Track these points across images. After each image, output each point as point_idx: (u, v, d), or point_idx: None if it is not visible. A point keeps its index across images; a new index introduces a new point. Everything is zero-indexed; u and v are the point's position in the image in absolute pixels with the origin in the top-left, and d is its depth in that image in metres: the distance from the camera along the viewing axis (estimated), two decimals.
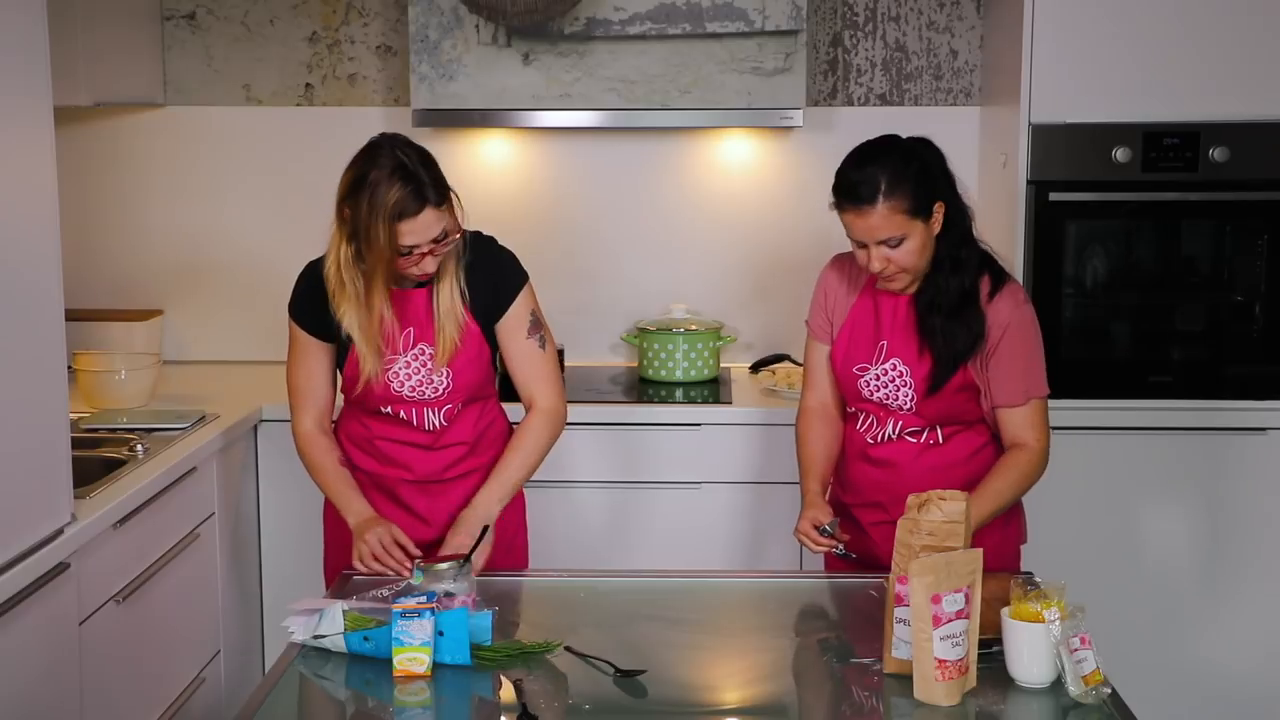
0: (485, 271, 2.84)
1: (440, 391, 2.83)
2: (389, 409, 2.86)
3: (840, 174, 2.73)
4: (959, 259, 2.74)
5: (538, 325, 2.90)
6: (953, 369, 2.74)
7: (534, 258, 4.11)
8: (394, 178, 2.64)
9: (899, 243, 2.68)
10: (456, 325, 2.79)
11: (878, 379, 2.81)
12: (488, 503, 2.82)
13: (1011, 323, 2.75)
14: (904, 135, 2.78)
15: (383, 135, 2.74)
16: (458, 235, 2.74)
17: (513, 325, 2.87)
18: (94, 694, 2.76)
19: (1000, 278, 2.78)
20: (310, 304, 2.81)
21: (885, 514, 2.80)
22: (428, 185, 2.65)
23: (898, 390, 2.79)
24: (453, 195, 2.73)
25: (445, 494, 2.91)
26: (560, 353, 3.96)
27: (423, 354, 2.81)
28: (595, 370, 4.12)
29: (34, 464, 2.56)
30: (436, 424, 2.87)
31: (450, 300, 2.78)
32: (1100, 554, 3.65)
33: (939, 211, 2.71)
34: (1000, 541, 2.80)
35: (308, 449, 2.91)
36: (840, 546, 2.75)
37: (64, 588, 2.64)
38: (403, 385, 2.82)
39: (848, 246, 2.94)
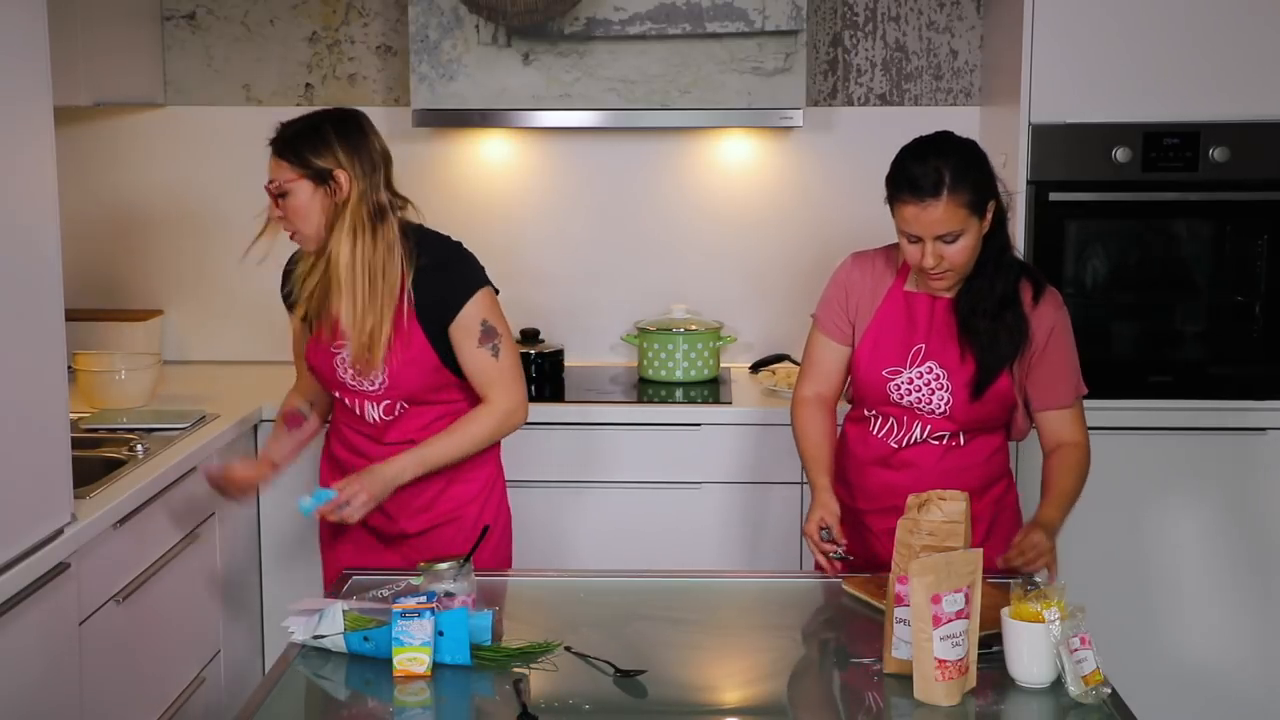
0: (434, 277, 2.81)
1: (377, 385, 2.83)
2: (336, 394, 2.90)
3: (900, 165, 2.66)
4: (1001, 262, 2.72)
5: (490, 334, 2.83)
6: (996, 372, 2.71)
7: (534, 258, 4.17)
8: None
9: (955, 238, 2.62)
10: (361, 341, 2.78)
11: (911, 382, 2.75)
12: (399, 466, 2.81)
13: (1057, 324, 2.74)
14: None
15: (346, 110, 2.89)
16: (280, 203, 2.77)
17: (461, 335, 2.82)
18: (94, 694, 2.76)
19: (1041, 284, 2.77)
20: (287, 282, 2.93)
21: None
22: (282, 139, 2.78)
23: (932, 394, 2.74)
24: (315, 170, 2.74)
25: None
26: (559, 353, 4.00)
27: None
28: (595, 370, 4.12)
29: (34, 464, 2.56)
30: (376, 418, 2.87)
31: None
32: (1100, 554, 3.65)
33: (990, 211, 2.67)
34: (1007, 546, 2.79)
35: None
36: (840, 549, 2.69)
37: (64, 588, 2.64)
38: (346, 371, 2.84)
39: (849, 245, 2.94)
